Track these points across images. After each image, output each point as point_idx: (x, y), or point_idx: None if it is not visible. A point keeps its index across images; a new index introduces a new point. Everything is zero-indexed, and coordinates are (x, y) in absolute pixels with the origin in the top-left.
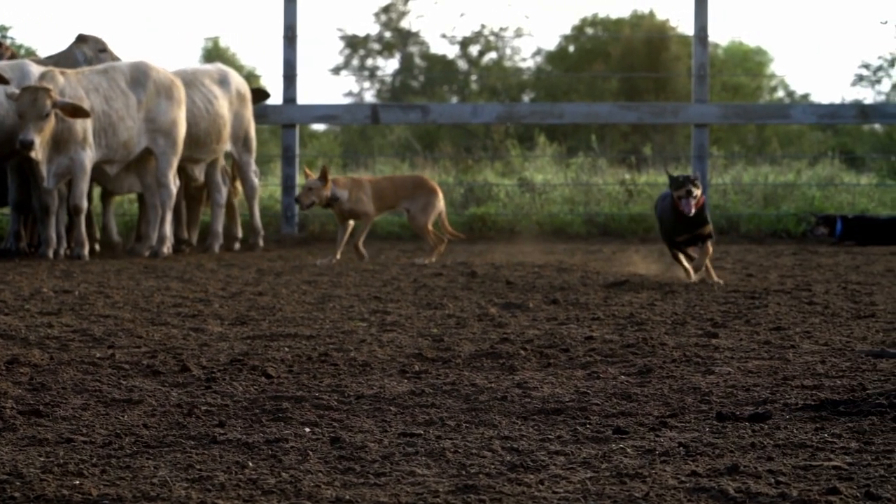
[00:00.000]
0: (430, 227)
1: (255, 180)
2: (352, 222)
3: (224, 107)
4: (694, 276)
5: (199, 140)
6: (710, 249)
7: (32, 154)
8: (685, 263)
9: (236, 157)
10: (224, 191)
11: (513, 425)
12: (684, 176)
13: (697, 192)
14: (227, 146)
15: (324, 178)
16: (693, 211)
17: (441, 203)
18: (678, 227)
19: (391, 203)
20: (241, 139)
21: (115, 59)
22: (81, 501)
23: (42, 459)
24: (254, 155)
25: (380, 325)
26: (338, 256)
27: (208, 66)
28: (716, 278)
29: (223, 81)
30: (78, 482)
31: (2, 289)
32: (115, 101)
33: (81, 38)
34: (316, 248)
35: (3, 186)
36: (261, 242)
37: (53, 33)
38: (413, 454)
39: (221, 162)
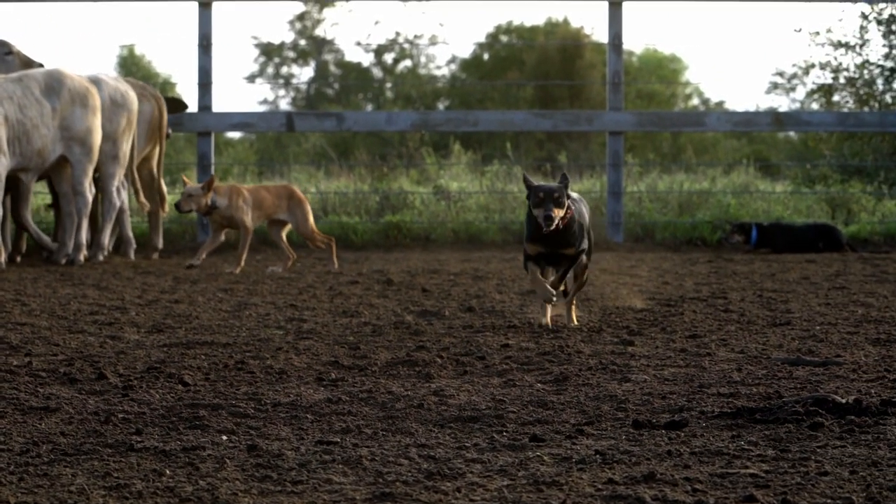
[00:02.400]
0: (315, 230)
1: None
2: (223, 235)
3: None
4: (548, 315)
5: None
6: (583, 279)
7: None
8: (540, 279)
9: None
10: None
11: (429, 433)
12: (546, 189)
13: (559, 212)
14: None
15: (207, 186)
16: (552, 230)
17: (310, 211)
18: (535, 237)
19: (269, 212)
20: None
21: (25, 60)
22: None
23: None
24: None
25: (296, 333)
26: (202, 257)
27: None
28: (574, 320)
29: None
30: None
31: None
32: (30, 109)
33: None
34: (231, 255)
35: None
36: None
37: None
38: (330, 462)
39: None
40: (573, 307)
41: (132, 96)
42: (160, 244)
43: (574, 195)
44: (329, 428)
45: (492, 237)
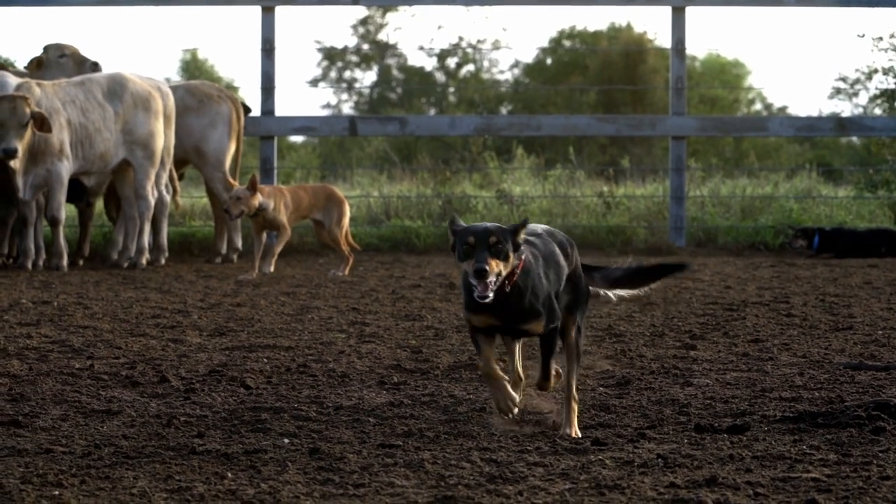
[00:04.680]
0: (344, 237)
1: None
2: (265, 235)
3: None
4: (512, 408)
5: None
6: (578, 349)
7: (12, 163)
8: (496, 374)
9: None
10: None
11: (491, 436)
12: (478, 231)
13: (498, 266)
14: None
15: (252, 187)
16: (489, 296)
17: (348, 214)
18: (474, 305)
19: (305, 213)
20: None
21: (79, 59)
22: None
23: (21, 470)
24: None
25: (358, 337)
26: (257, 271)
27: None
28: (575, 429)
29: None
30: (57, 493)
31: None
32: (92, 113)
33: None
34: (294, 259)
35: None
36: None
37: (33, 45)
38: (392, 465)
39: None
40: (573, 403)
41: (164, 93)
42: (223, 249)
43: (539, 229)
44: (391, 431)
45: None
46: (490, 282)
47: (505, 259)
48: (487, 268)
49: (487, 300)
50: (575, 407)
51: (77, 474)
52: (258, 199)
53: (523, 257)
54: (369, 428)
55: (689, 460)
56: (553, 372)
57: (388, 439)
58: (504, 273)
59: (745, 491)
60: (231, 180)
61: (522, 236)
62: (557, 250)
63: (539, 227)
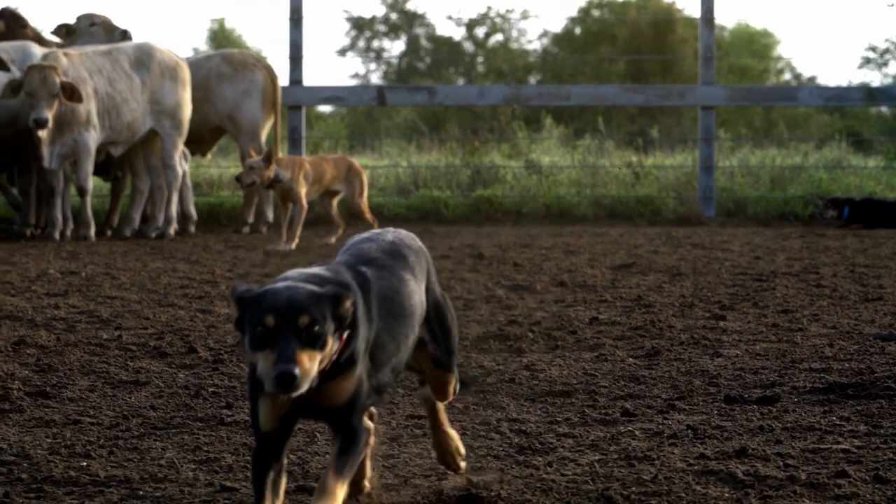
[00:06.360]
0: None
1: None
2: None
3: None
4: None
5: None
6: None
7: (40, 133)
8: None
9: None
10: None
11: (521, 407)
12: (282, 305)
13: (309, 360)
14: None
15: (268, 159)
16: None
17: (367, 184)
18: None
19: (328, 184)
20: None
21: (109, 27)
22: (89, 483)
23: (49, 441)
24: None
25: None
26: (284, 239)
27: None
28: None
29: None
30: (85, 463)
31: (8, 270)
32: (119, 83)
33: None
34: (323, 228)
35: (10, 169)
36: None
37: (61, 14)
38: (420, 436)
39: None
40: None
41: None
42: (251, 219)
43: (374, 249)
44: (419, 402)
45: (583, 211)
46: (296, 388)
47: (322, 348)
48: (297, 371)
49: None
50: None
51: (105, 445)
52: (272, 171)
53: (340, 344)
54: (397, 399)
55: (719, 431)
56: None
57: (417, 410)
58: (322, 366)
59: (775, 462)
60: (253, 151)
61: (348, 306)
62: (407, 277)
63: (369, 243)
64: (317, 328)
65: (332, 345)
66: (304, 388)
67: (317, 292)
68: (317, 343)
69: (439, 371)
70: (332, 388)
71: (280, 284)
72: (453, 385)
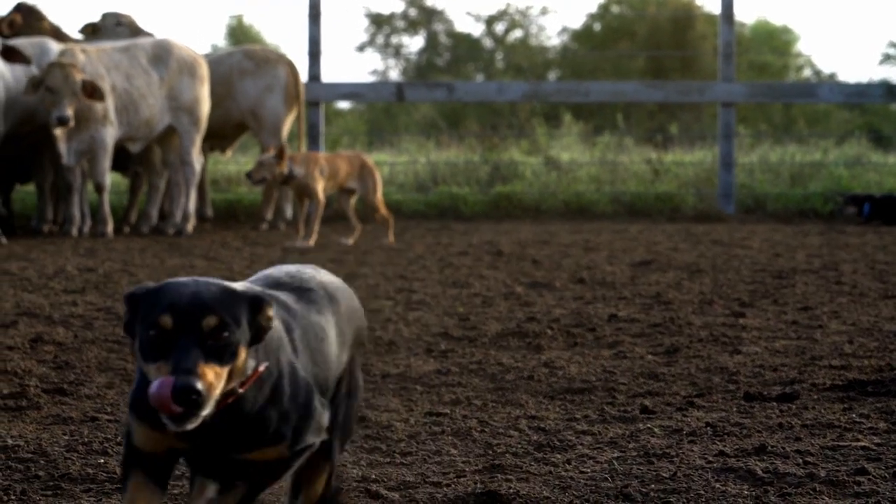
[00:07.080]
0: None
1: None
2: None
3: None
4: None
5: None
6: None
7: (59, 130)
8: None
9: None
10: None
11: (539, 405)
12: (183, 303)
13: (213, 376)
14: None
15: (280, 155)
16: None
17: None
18: (151, 413)
19: (343, 181)
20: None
21: (135, 29)
22: (106, 480)
23: (67, 438)
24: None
25: (406, 304)
26: (301, 236)
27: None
28: None
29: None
30: (102, 461)
31: (26, 267)
32: (137, 79)
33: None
34: (342, 225)
35: (25, 165)
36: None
37: (79, 11)
38: (439, 433)
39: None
40: None
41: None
42: (269, 216)
43: (286, 274)
44: (438, 399)
45: (602, 208)
46: (197, 411)
47: (231, 360)
48: (200, 386)
49: (187, 424)
50: None
51: (122, 442)
52: (284, 167)
53: (263, 367)
54: (416, 396)
55: (738, 429)
56: None
57: (436, 407)
58: (231, 385)
59: (795, 459)
60: (272, 148)
61: (269, 314)
62: (325, 320)
63: (282, 272)
64: (225, 333)
65: (245, 359)
66: (207, 410)
67: (231, 289)
68: (224, 354)
69: (318, 456)
70: (255, 452)
71: (184, 278)
72: (327, 478)
